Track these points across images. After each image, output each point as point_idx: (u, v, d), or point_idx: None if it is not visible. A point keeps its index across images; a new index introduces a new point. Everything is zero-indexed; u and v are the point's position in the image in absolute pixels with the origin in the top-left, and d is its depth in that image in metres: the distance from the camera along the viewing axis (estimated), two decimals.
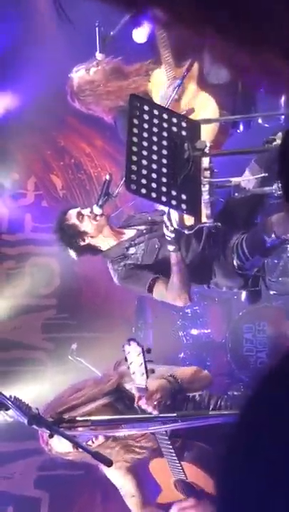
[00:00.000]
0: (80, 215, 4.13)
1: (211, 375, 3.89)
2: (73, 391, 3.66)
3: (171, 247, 3.67)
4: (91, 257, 4.29)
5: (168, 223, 3.46)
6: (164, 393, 3.39)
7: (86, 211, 4.14)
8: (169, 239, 3.59)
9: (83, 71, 4.46)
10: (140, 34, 4.75)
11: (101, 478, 3.84)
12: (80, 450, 3.44)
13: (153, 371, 3.32)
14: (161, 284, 3.90)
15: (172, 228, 3.47)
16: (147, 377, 3.21)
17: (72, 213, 4.18)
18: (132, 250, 4.09)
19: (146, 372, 3.19)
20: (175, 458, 3.50)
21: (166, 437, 3.38)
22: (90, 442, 3.48)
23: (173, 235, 3.53)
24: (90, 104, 4.49)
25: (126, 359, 3.21)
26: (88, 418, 2.72)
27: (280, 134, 3.33)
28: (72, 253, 4.22)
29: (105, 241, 4.17)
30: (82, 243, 4.16)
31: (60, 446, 3.52)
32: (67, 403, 3.50)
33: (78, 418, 2.61)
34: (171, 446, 3.43)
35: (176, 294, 3.84)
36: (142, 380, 3.21)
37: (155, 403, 3.29)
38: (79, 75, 4.47)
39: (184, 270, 3.77)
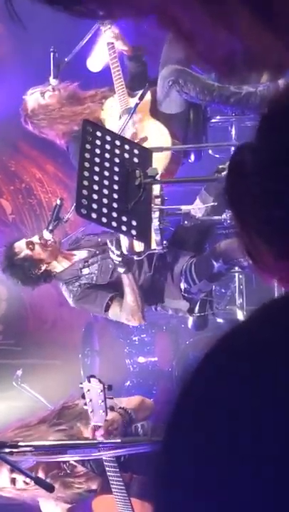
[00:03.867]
0: (30, 244, 4.06)
1: (153, 403, 3.89)
2: (21, 424, 3.58)
3: (121, 270, 3.70)
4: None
5: (112, 248, 3.49)
6: (118, 425, 3.37)
7: (35, 239, 4.08)
8: (117, 262, 3.62)
9: (38, 94, 4.45)
10: (94, 63, 4.80)
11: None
12: (17, 487, 3.42)
13: (112, 408, 3.29)
14: (117, 305, 3.93)
15: (118, 252, 3.50)
16: (106, 414, 3.19)
17: (21, 245, 4.09)
18: (85, 271, 4.07)
19: (106, 409, 3.17)
20: (124, 492, 3.44)
21: (117, 468, 3.33)
22: (28, 479, 3.41)
23: (120, 259, 3.56)
24: (44, 128, 4.48)
25: (83, 396, 3.17)
26: (31, 444, 2.67)
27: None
28: (25, 285, 4.16)
29: (59, 265, 4.14)
30: (38, 272, 4.10)
31: None
32: (13, 437, 3.42)
33: (21, 443, 2.56)
34: (120, 479, 3.38)
35: (131, 315, 3.88)
36: (101, 418, 3.18)
37: (111, 436, 3.26)
38: (33, 98, 4.46)
39: (136, 290, 3.80)
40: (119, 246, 3.49)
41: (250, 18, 0.66)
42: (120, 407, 3.51)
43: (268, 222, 0.79)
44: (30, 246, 4.04)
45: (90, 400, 3.16)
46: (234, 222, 0.88)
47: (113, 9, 0.70)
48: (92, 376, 3.19)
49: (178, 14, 0.67)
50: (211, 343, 0.66)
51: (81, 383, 3.19)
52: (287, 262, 0.81)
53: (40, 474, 3.45)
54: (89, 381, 3.14)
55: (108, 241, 3.56)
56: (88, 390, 3.14)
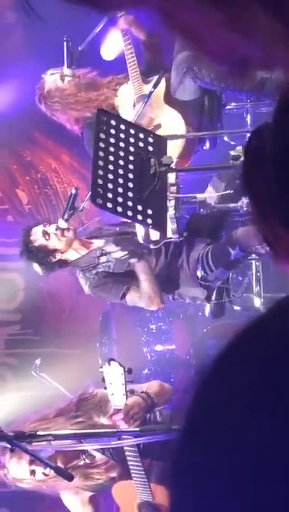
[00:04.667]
0: (45, 234, 4.07)
1: (172, 388, 3.91)
2: (39, 417, 3.60)
3: (133, 260, 3.72)
4: (56, 271, 4.26)
5: (112, 249, 3.54)
6: (140, 409, 3.38)
7: (51, 229, 4.07)
8: (126, 257, 3.67)
9: (57, 76, 4.44)
10: (108, 52, 4.78)
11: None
12: (36, 478, 3.44)
13: (133, 392, 3.31)
14: (134, 292, 3.95)
15: (122, 253, 3.55)
16: (127, 397, 3.20)
17: (37, 232, 4.10)
18: (103, 259, 4.08)
19: (127, 392, 3.18)
20: (144, 478, 3.47)
21: (137, 454, 3.35)
22: (47, 471, 3.44)
23: (126, 255, 3.60)
24: (56, 111, 4.48)
25: (103, 380, 3.19)
26: (50, 432, 2.69)
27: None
28: (41, 270, 4.18)
29: (76, 252, 4.15)
30: (53, 260, 4.12)
31: (16, 471, 3.48)
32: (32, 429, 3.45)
33: (40, 433, 2.58)
34: (141, 464, 3.40)
35: (149, 301, 3.92)
36: (121, 401, 3.21)
37: (131, 420, 3.27)
38: (52, 79, 4.45)
39: (151, 276, 3.82)
40: (117, 245, 3.52)
41: (269, 20, 0.64)
42: (143, 392, 3.52)
43: (283, 209, 0.78)
44: (46, 236, 4.05)
45: (111, 383, 3.17)
46: (250, 208, 0.87)
47: (117, 4, 0.69)
48: (112, 359, 3.21)
49: (186, 16, 0.66)
50: (229, 338, 0.65)
51: (101, 367, 3.21)
52: None
53: (59, 465, 3.47)
54: (109, 364, 3.16)
55: (107, 244, 3.61)
56: (108, 373, 3.16)
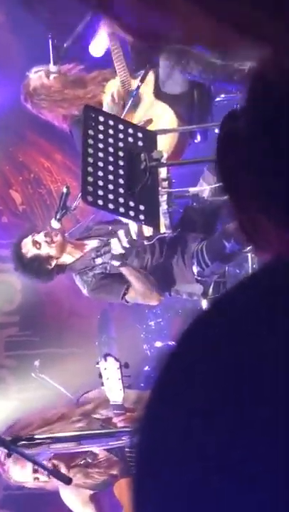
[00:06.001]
0: (35, 243, 4.06)
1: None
2: (42, 422, 3.56)
3: (116, 263, 3.69)
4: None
5: (123, 238, 3.49)
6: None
7: (40, 237, 4.07)
8: (115, 253, 3.62)
9: (43, 73, 4.39)
10: (96, 48, 4.73)
11: None
12: (39, 480, 3.42)
13: (130, 386, 3.29)
14: (134, 291, 3.95)
15: (125, 245, 3.50)
16: (124, 392, 3.18)
17: (27, 243, 4.10)
18: (98, 260, 4.06)
19: (124, 387, 3.16)
20: None
21: None
22: None
23: (123, 251, 3.56)
24: (43, 109, 4.44)
25: (100, 375, 3.17)
26: (48, 436, 2.65)
27: None
28: (41, 281, 4.18)
29: (70, 256, 4.13)
30: (49, 267, 4.10)
31: (18, 474, 3.46)
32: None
33: (37, 436, 2.54)
34: None
35: (147, 298, 3.94)
36: (119, 396, 3.19)
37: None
38: (37, 76, 4.41)
39: (140, 276, 3.82)
40: (128, 235, 3.49)
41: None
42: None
43: (266, 190, 0.73)
44: (37, 245, 4.04)
45: (107, 379, 3.15)
46: (228, 196, 0.82)
47: None
48: (109, 354, 3.19)
49: None
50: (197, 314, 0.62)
51: (97, 362, 3.18)
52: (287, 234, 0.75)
53: (62, 464, 3.45)
54: (105, 360, 3.14)
55: (121, 232, 3.56)
56: (105, 369, 3.13)
